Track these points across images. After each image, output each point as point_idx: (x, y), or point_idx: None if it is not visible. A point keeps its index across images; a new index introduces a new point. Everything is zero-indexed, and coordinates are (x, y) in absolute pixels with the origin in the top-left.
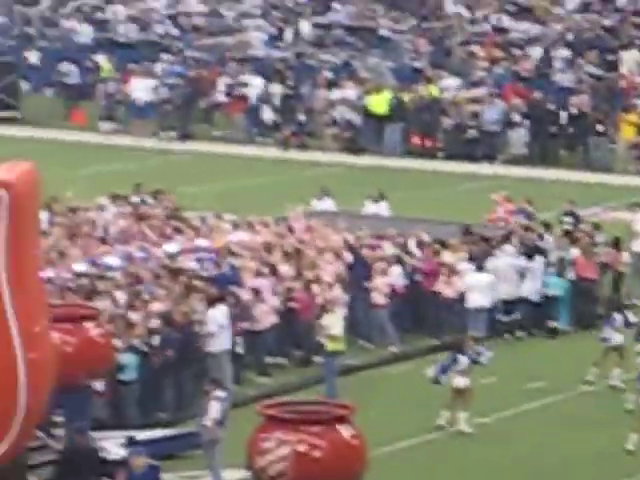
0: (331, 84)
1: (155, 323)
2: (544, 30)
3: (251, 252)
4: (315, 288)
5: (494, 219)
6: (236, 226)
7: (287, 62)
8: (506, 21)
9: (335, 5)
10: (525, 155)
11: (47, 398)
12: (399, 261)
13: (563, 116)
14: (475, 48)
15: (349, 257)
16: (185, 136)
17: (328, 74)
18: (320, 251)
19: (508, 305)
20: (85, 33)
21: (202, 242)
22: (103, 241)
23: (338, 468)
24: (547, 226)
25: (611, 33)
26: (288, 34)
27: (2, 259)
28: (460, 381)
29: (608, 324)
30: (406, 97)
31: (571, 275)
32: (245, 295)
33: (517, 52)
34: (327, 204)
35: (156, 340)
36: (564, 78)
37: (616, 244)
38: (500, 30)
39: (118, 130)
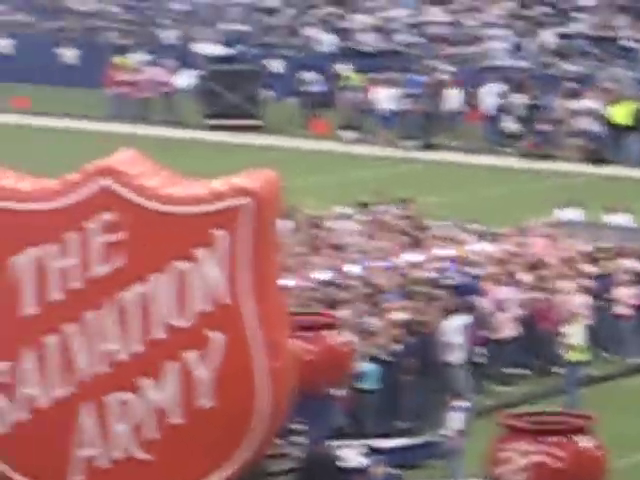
0: (573, 94)
1: (396, 332)
2: None
3: (492, 262)
4: (557, 298)
5: None
6: (478, 236)
7: (529, 72)
8: None
9: (578, 15)
10: None
11: (288, 406)
12: None
13: None
14: None
15: (591, 268)
16: (427, 145)
17: (570, 84)
18: (562, 261)
19: None
20: (327, 42)
21: (443, 252)
22: (344, 249)
23: (578, 479)
24: None
25: None
26: (530, 44)
27: (247, 267)
28: None
29: None
30: None
31: None
32: (486, 304)
33: None
34: (573, 214)
35: (398, 349)
36: None
37: None
38: None
39: (360, 139)
